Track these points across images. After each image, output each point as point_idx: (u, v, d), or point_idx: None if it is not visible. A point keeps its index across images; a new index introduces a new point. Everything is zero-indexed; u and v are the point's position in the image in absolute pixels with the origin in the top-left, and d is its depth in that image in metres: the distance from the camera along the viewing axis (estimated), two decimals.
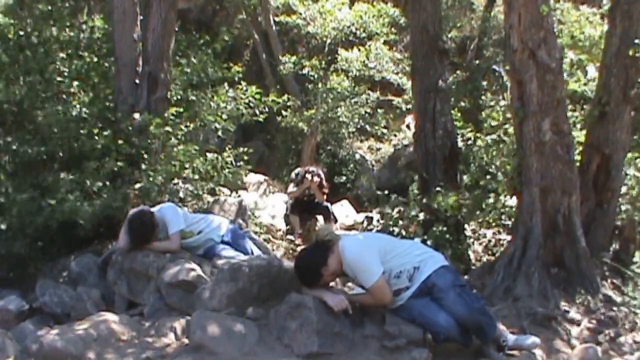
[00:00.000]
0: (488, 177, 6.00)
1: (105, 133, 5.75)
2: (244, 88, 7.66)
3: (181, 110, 6.58)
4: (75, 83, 6.37)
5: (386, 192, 6.99)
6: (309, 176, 7.56)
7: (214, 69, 7.51)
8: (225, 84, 7.70)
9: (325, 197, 7.70)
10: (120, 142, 5.79)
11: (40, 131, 5.97)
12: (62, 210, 5.21)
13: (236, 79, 7.88)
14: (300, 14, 11.58)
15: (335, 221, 7.54)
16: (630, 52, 4.68)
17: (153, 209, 4.82)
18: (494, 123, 6.01)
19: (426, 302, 3.58)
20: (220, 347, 3.36)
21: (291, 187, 7.75)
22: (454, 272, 3.73)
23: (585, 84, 6.10)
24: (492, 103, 6.86)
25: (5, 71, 6.41)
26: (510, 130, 5.78)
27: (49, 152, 5.91)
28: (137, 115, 6.01)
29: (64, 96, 6.43)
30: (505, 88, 6.44)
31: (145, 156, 5.96)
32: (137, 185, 5.65)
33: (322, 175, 7.77)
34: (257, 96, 7.79)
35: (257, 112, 7.94)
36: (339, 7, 11.21)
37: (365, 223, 6.90)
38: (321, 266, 3.57)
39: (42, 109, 5.99)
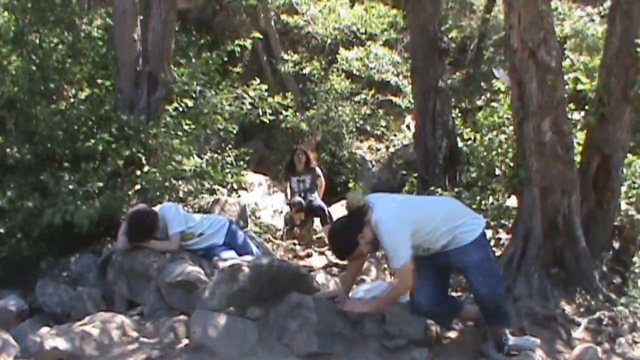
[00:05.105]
0: (488, 176, 6.00)
1: (105, 133, 5.75)
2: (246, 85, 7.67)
3: (182, 107, 6.60)
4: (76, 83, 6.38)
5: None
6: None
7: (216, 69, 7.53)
8: (224, 84, 7.71)
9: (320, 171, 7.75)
10: (120, 142, 5.79)
11: (40, 132, 5.97)
12: (64, 214, 5.21)
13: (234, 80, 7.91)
14: (303, 13, 11.58)
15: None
16: None
17: (154, 208, 4.83)
18: (486, 122, 6.01)
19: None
20: (220, 347, 3.36)
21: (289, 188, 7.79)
22: (482, 250, 3.57)
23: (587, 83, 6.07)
24: (482, 104, 6.85)
25: (4, 70, 6.42)
26: (508, 130, 5.79)
27: (49, 152, 5.91)
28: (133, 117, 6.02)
29: (65, 95, 6.44)
30: (498, 91, 6.42)
31: (145, 156, 5.96)
32: (138, 186, 5.66)
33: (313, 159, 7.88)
34: (264, 96, 7.78)
35: (261, 112, 7.93)
36: (337, 9, 11.22)
37: None
38: (357, 234, 3.43)
39: (41, 109, 5.99)
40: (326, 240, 7.39)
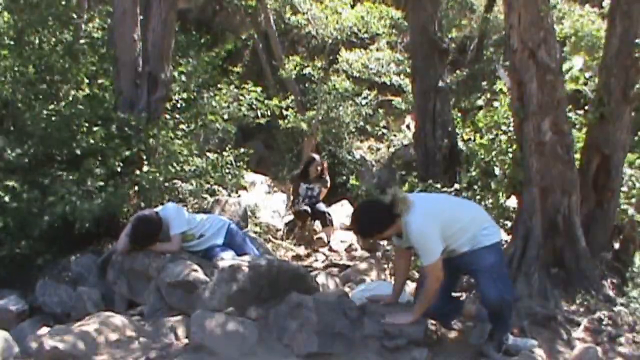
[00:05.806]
0: (488, 177, 6.00)
1: (105, 133, 5.75)
2: (240, 87, 7.67)
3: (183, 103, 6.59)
4: (74, 83, 6.37)
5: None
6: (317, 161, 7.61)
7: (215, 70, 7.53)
8: (224, 84, 7.71)
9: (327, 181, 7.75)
10: (119, 142, 5.78)
11: (36, 132, 5.95)
12: (62, 209, 5.20)
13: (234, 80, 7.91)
14: (304, 13, 11.57)
15: (332, 226, 7.51)
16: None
17: (157, 209, 4.83)
18: (486, 122, 6.00)
19: None
20: (220, 347, 3.36)
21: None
22: (496, 255, 3.64)
23: (585, 84, 6.07)
24: (482, 103, 6.84)
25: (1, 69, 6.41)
26: (508, 130, 5.78)
27: (47, 153, 5.89)
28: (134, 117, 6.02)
29: (64, 95, 6.43)
30: (499, 91, 6.42)
31: (145, 156, 5.96)
32: (137, 187, 5.65)
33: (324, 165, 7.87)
34: (261, 98, 7.77)
35: (259, 114, 7.91)
36: (342, 7, 11.20)
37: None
38: (378, 230, 3.61)
39: (38, 110, 5.97)
40: (326, 240, 7.42)
